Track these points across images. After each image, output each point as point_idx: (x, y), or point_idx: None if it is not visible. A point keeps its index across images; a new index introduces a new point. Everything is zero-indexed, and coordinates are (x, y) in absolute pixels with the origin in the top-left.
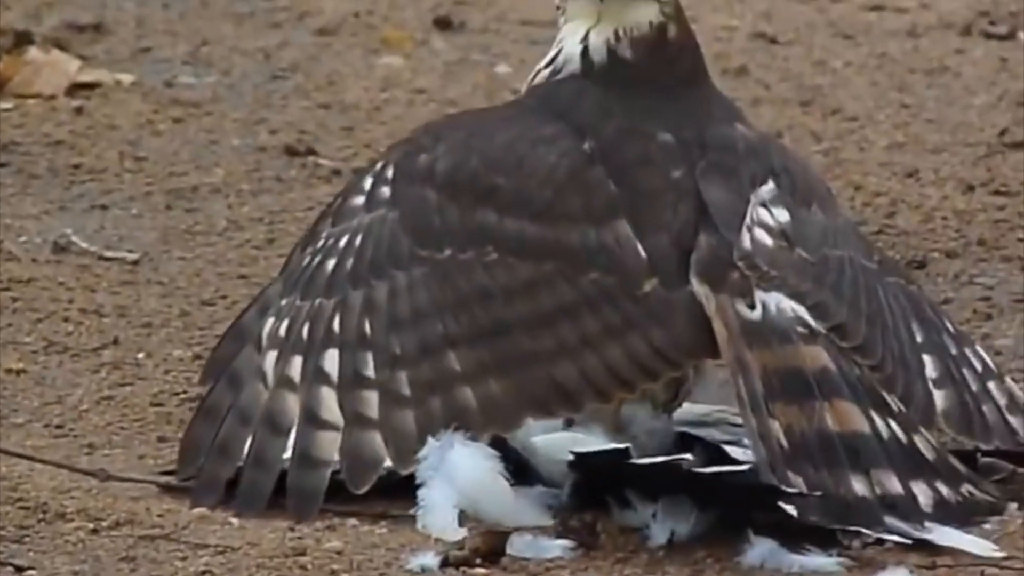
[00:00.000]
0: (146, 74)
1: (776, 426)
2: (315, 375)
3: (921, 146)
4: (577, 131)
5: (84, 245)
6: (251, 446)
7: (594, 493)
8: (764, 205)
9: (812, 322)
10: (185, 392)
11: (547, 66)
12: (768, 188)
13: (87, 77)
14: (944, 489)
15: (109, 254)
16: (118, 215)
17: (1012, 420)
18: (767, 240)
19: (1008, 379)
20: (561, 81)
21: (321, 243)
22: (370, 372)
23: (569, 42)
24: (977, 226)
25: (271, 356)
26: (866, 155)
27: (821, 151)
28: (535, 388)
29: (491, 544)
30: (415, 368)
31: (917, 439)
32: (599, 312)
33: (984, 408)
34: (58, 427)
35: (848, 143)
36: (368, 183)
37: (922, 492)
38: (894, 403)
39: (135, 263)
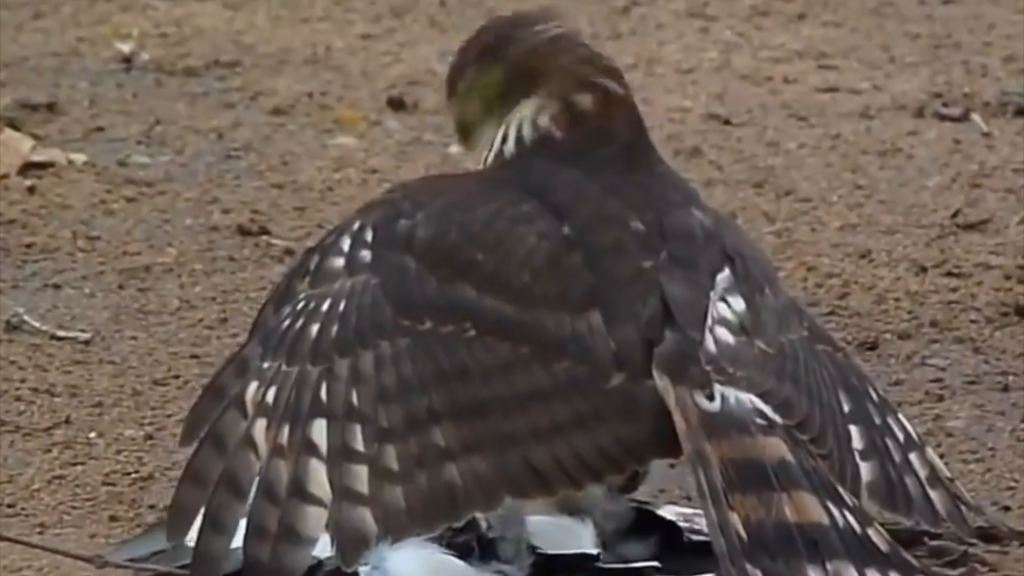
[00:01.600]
0: (99, 153)
1: (735, 518)
2: (303, 446)
3: (874, 227)
4: (554, 211)
5: (36, 324)
6: (250, 520)
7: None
8: (723, 298)
9: (770, 413)
10: (137, 472)
11: (488, 151)
12: (724, 276)
13: (40, 156)
14: None
15: (61, 333)
16: (70, 294)
17: (932, 494)
18: (729, 338)
19: (929, 450)
20: (524, 157)
21: (301, 305)
22: (359, 445)
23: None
24: (930, 307)
25: (260, 424)
26: (819, 236)
27: (774, 232)
28: (512, 469)
29: None
30: (403, 442)
31: (870, 531)
32: (570, 401)
33: (906, 480)
34: (9, 506)
35: (801, 224)
36: (346, 244)
37: None
38: (847, 495)
39: (87, 342)
